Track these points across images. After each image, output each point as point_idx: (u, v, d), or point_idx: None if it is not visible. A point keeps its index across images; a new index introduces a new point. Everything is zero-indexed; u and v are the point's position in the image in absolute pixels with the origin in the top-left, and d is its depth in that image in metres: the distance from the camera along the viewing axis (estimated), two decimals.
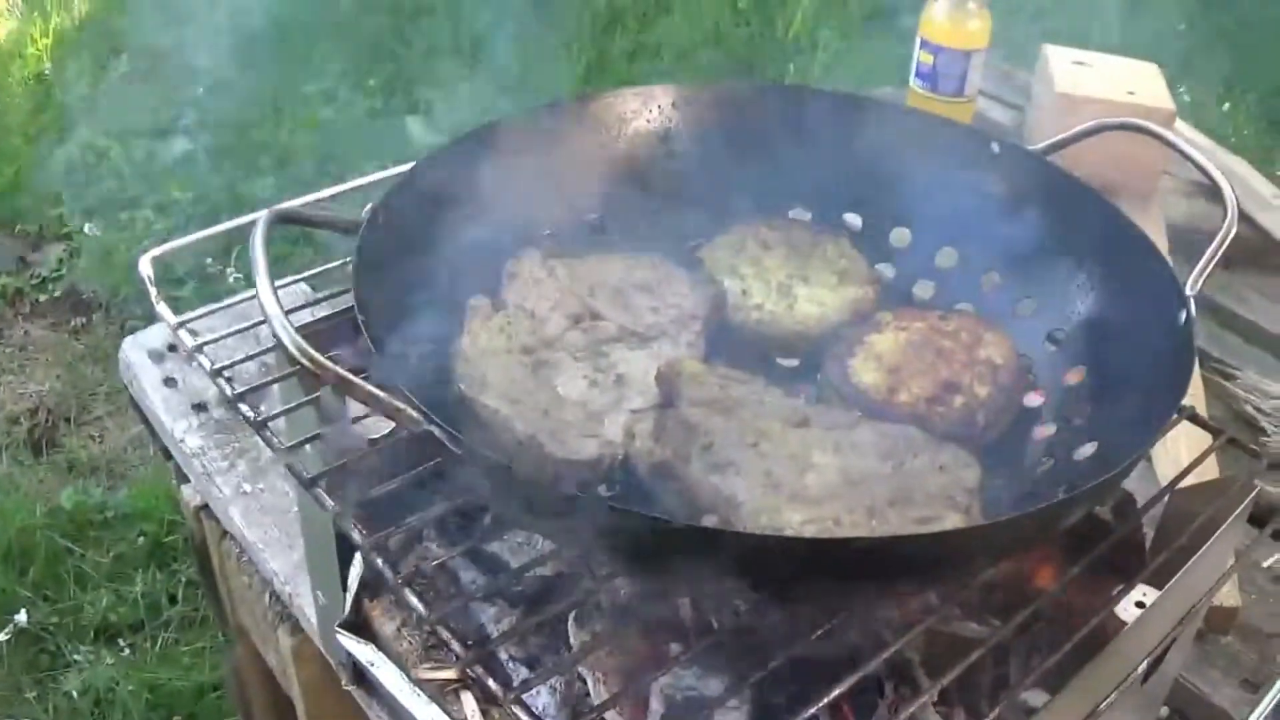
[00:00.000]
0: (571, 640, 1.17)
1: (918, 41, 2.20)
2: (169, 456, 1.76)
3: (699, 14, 3.70)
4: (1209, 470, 1.48)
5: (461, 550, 1.24)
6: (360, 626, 1.32)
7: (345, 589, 1.34)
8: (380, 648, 1.29)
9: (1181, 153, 1.25)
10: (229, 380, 1.26)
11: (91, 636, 2.56)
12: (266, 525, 1.55)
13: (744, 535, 0.95)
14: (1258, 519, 1.21)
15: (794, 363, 1.35)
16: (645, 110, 1.43)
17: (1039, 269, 1.30)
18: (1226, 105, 3.63)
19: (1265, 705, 1.14)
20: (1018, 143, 1.36)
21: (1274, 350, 1.98)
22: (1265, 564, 1.53)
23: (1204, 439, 1.27)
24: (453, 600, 1.23)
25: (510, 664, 1.20)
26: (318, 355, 0.95)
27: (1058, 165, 1.32)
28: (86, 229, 3.55)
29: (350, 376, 0.95)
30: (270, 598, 1.59)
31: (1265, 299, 2.10)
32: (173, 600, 2.62)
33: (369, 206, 1.18)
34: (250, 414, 1.22)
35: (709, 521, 1.00)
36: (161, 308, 1.30)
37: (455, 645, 1.00)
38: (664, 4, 3.85)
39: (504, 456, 0.93)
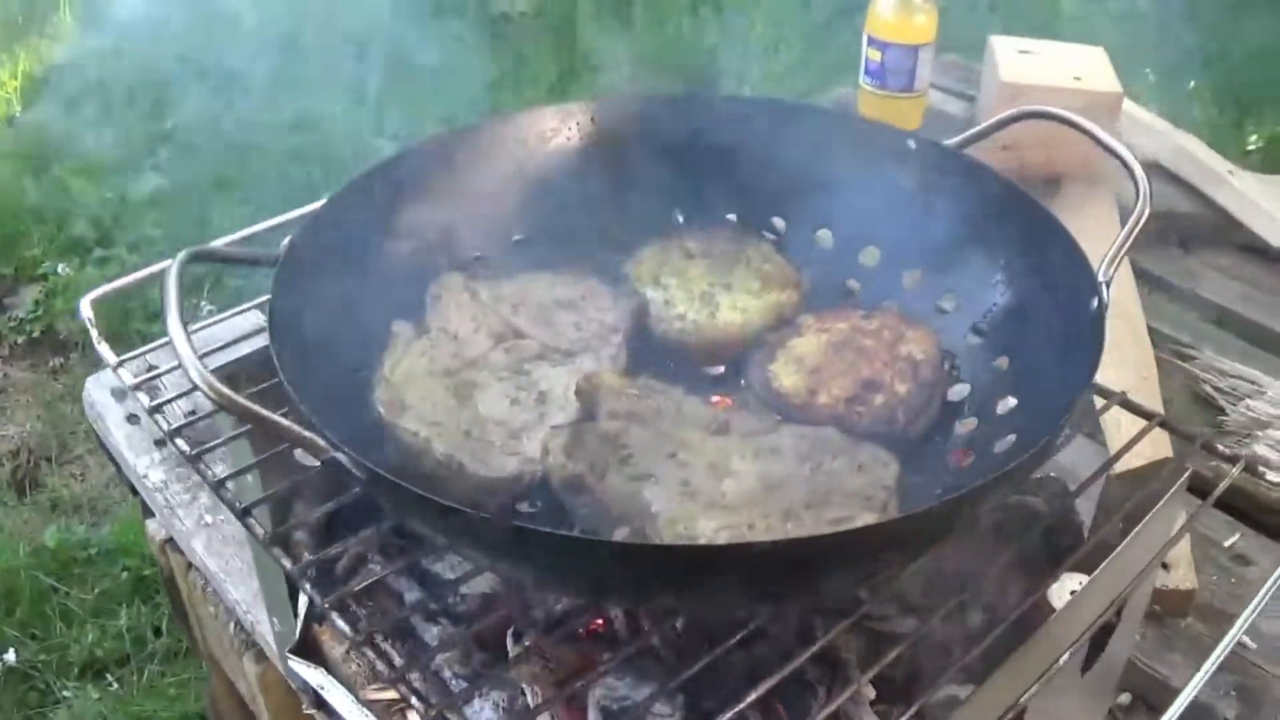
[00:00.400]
0: (510, 653, 1.17)
1: (865, 39, 2.21)
2: (135, 492, 1.77)
3: (660, 23, 3.71)
4: (1163, 454, 1.48)
5: (397, 569, 1.26)
6: (311, 651, 1.33)
7: (296, 615, 1.35)
8: (330, 671, 1.31)
9: (1092, 136, 1.25)
10: (155, 411, 1.29)
11: (79, 672, 2.56)
12: (228, 555, 1.57)
13: (627, 546, 0.96)
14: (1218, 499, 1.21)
15: (719, 370, 1.36)
16: (564, 128, 1.43)
17: (959, 263, 1.31)
18: (1192, 83, 3.63)
19: (1207, 668, 1.13)
20: (934, 139, 1.35)
21: (1233, 328, 1.99)
22: (1226, 543, 1.53)
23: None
24: (385, 619, 1.24)
25: (454, 681, 1.21)
26: (225, 390, 0.96)
27: (972, 158, 1.33)
28: (60, 269, 3.55)
29: (254, 409, 0.96)
30: (235, 626, 1.61)
31: (1223, 276, 2.10)
32: (157, 633, 2.63)
33: (287, 240, 1.19)
34: (187, 448, 1.23)
35: (619, 534, 1.00)
36: (103, 348, 1.32)
37: (380, 666, 1.01)
38: (624, 16, 3.87)
39: (413, 480, 0.93)
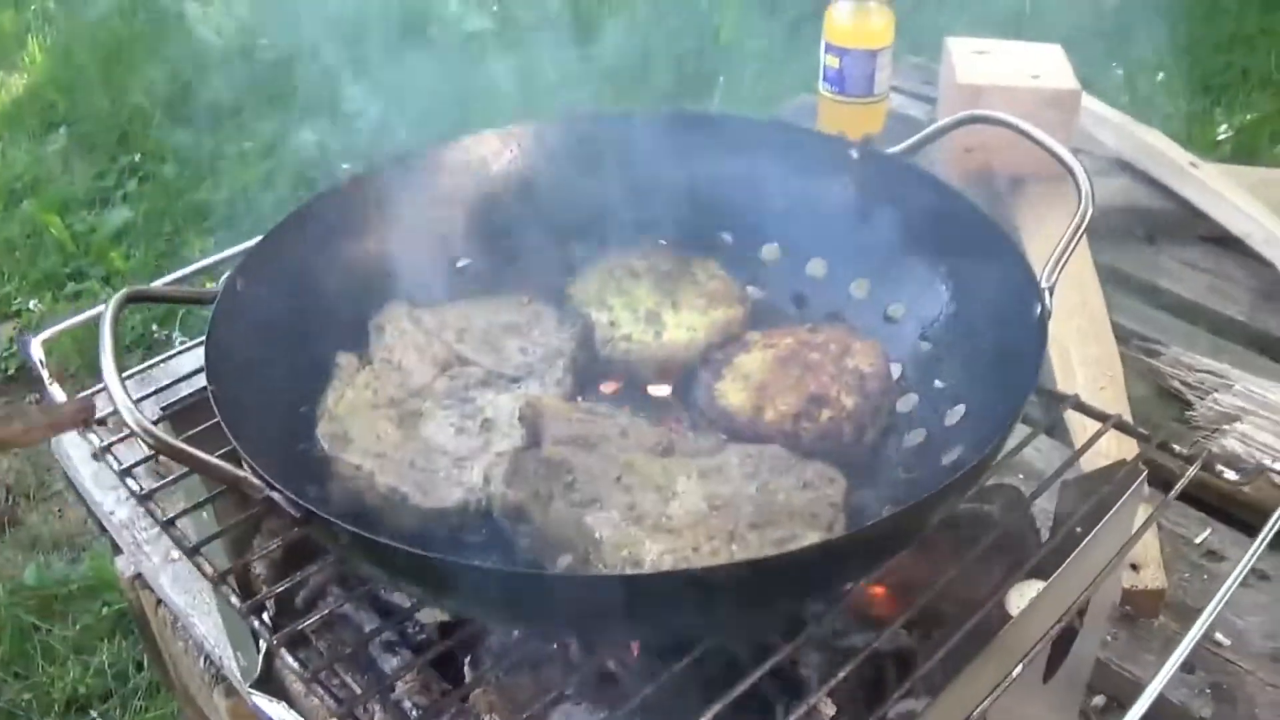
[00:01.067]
0: (466, 681, 1.16)
1: (822, 46, 2.19)
2: (104, 529, 1.76)
3: (628, 35, 3.71)
4: (1129, 453, 1.47)
5: (356, 598, 1.25)
6: (274, 685, 1.32)
7: (257, 649, 1.35)
8: (292, 704, 1.30)
9: (1031, 138, 1.24)
10: (106, 451, 1.27)
11: (62, 709, 2.55)
12: (195, 591, 1.57)
13: (554, 578, 0.96)
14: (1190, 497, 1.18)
15: (666, 391, 1.34)
16: (506, 150, 1.43)
17: (905, 271, 1.30)
18: (1160, 75, 3.63)
19: (1173, 661, 1.12)
20: (883, 146, 1.35)
21: (1200, 322, 1.98)
22: (1197, 540, 1.52)
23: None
24: (344, 650, 1.24)
25: (414, 711, 1.20)
26: (158, 433, 0.97)
27: (915, 165, 1.32)
28: (32, 305, 3.53)
29: (188, 451, 0.96)
30: (205, 661, 1.60)
31: (1189, 269, 2.09)
32: (139, 667, 2.61)
33: (225, 276, 1.18)
34: (137, 488, 1.22)
35: (562, 562, 0.99)
36: (54, 389, 1.31)
37: (329, 701, 1.00)
38: (593, 28, 3.86)
39: (352, 516, 0.92)
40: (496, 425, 1.19)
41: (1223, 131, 3.71)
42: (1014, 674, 0.96)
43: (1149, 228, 2.18)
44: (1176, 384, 1.79)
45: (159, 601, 1.67)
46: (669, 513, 1.04)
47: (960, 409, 1.19)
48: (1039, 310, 1.10)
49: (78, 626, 2.71)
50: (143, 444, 0.98)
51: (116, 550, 1.76)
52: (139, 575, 1.70)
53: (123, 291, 1.12)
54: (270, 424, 1.11)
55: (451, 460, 1.14)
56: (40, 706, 2.56)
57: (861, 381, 1.22)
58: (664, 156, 1.40)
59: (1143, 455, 1.19)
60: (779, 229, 1.41)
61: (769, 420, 1.20)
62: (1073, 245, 1.16)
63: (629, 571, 0.96)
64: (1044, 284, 1.12)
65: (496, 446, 1.15)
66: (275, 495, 0.95)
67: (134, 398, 0.98)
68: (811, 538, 0.98)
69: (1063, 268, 1.14)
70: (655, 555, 0.98)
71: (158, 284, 1.34)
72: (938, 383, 1.25)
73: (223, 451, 1.02)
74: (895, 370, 1.29)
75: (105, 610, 2.74)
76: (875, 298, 1.34)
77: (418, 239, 1.36)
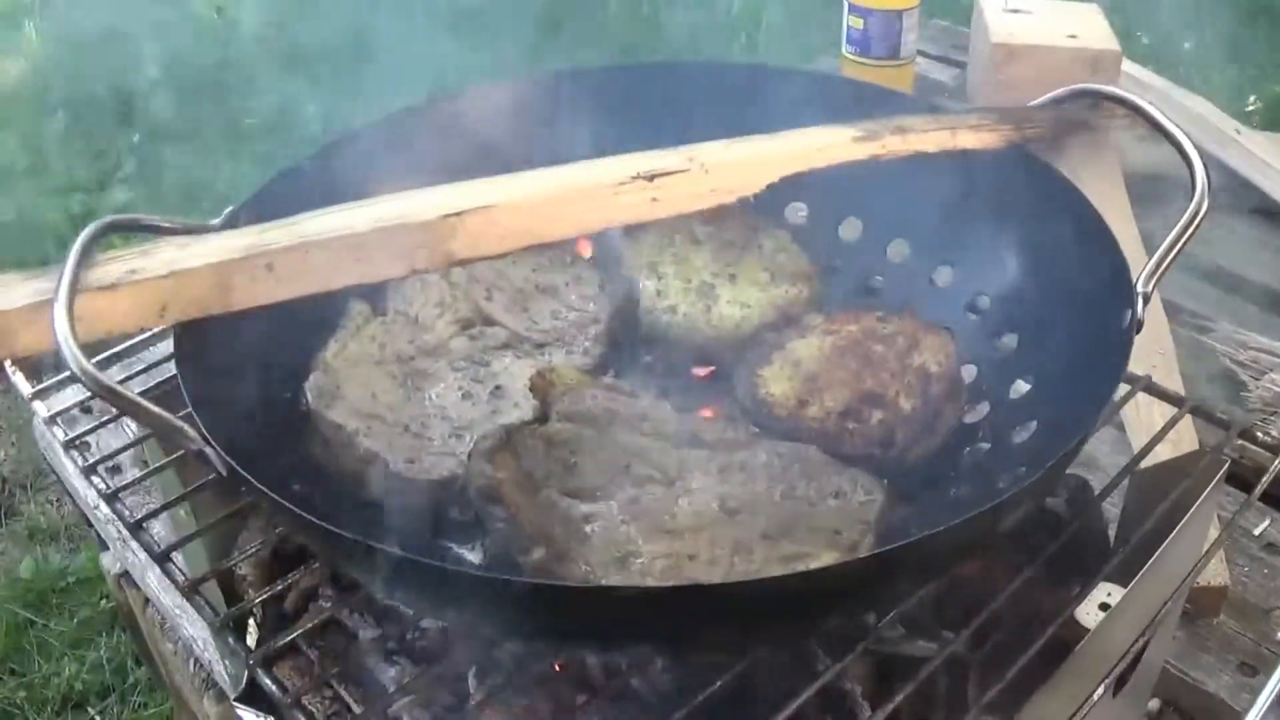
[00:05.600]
0: (472, 697, 1.05)
1: (845, 6, 2.09)
2: (90, 523, 1.68)
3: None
4: (1188, 441, 1.36)
5: (351, 603, 1.14)
6: (259, 698, 1.23)
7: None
8: (280, 718, 1.20)
9: (1154, 123, 1.11)
10: (73, 444, 1.24)
11: (59, 706, 2.49)
12: None
13: (513, 583, 0.83)
14: (1243, 481, 1.08)
15: (706, 372, 1.22)
16: (545, 98, 1.32)
17: (996, 262, 1.17)
18: (1188, 44, 3.53)
19: (1268, 694, 1.01)
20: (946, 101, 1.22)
21: (1251, 297, 1.89)
22: (1256, 531, 1.42)
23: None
24: (338, 660, 1.14)
25: None
26: (93, 370, 0.88)
27: (1028, 150, 1.19)
28: None
29: (118, 389, 0.88)
30: (194, 664, 1.51)
31: (1238, 241, 1.99)
32: (139, 662, 2.55)
33: (228, 210, 1.08)
34: (104, 486, 1.17)
35: (536, 555, 0.87)
36: (17, 379, 1.27)
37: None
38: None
39: (308, 484, 0.82)
40: (508, 394, 1.09)
41: (1251, 102, 3.60)
42: (1095, 697, 0.84)
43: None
44: (1229, 363, 1.70)
45: (147, 600, 1.59)
46: (674, 512, 0.93)
47: (1032, 424, 1.06)
48: (1129, 318, 0.97)
49: (75, 621, 2.65)
50: (83, 386, 0.89)
51: (103, 545, 1.68)
52: (125, 573, 1.62)
53: (106, 218, 1.03)
54: (249, 378, 1.02)
55: (451, 428, 1.04)
56: (35, 704, 2.49)
57: (925, 383, 1.10)
58: (697, 109, 1.27)
59: (1224, 444, 1.07)
60: (862, 203, 1.28)
61: (811, 417, 1.08)
62: (1179, 247, 1.02)
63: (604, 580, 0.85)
64: (1140, 289, 0.99)
65: (503, 417, 1.05)
66: (209, 451, 0.86)
67: (123, 376, 0.90)
68: (826, 558, 0.87)
69: (1161, 275, 1.00)
70: (647, 559, 0.87)
71: None
72: (1013, 394, 1.13)
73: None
74: (968, 374, 1.17)
75: (104, 603, 2.68)
76: (960, 288, 1.22)
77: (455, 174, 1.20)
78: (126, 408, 0.89)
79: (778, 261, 1.27)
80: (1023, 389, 1.12)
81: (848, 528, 0.92)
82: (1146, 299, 0.99)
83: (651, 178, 0.96)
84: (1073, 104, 1.24)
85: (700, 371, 1.23)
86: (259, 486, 0.84)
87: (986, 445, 1.10)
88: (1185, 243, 1.04)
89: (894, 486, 1.00)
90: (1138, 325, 0.97)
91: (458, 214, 0.92)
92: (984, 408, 1.14)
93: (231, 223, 1.09)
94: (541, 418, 1.02)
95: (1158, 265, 1.01)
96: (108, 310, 0.93)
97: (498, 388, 1.10)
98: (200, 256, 0.96)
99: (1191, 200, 1.05)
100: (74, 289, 0.93)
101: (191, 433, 0.88)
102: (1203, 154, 2.03)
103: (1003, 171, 1.19)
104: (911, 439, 1.06)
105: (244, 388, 1.02)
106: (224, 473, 0.87)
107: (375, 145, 1.25)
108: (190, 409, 0.90)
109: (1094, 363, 0.99)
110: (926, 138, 1.11)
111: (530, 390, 1.05)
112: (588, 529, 0.89)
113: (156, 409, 0.89)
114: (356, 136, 1.25)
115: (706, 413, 1.13)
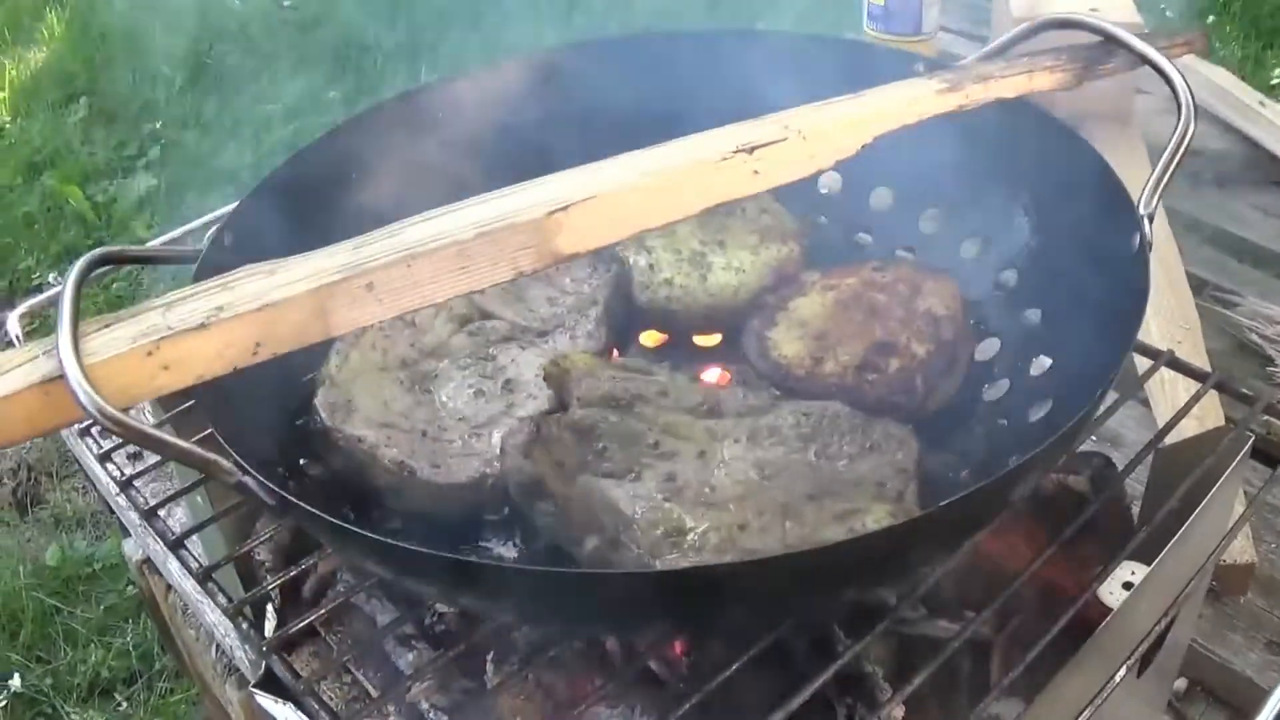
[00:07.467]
0: (489, 681, 1.05)
1: None
2: (112, 510, 1.68)
3: None
4: (1213, 417, 1.34)
5: (368, 586, 1.13)
6: (277, 684, 1.22)
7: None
8: (299, 705, 1.19)
9: (1119, 41, 1.09)
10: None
11: (85, 693, 2.49)
12: None
13: (565, 575, 0.82)
14: (1269, 456, 1.06)
15: (713, 341, 1.22)
16: (530, 80, 1.29)
17: (981, 201, 1.16)
18: (1211, 18, 3.49)
19: None
20: (945, 61, 1.19)
21: (1277, 271, 1.86)
22: None
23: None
24: (356, 645, 1.13)
25: (432, 713, 1.09)
26: (119, 415, 0.79)
27: None
28: (53, 279, 3.46)
29: (150, 432, 0.81)
30: (216, 650, 1.51)
31: (1263, 215, 1.97)
32: (164, 648, 2.55)
33: (211, 231, 1.06)
34: (118, 474, 1.16)
35: (590, 544, 0.86)
36: None
37: (324, 715, 0.89)
38: None
39: (346, 502, 0.81)
40: (520, 386, 1.07)
41: (1276, 76, 3.56)
42: (1118, 678, 0.83)
43: (1217, 171, 2.06)
44: (1255, 338, 1.68)
45: (169, 587, 1.59)
46: (713, 483, 0.91)
47: (1045, 360, 1.05)
48: (1138, 241, 0.96)
49: (101, 608, 2.65)
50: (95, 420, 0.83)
51: (125, 533, 1.67)
52: (148, 559, 1.62)
53: (93, 252, 0.97)
54: (264, 398, 1.00)
55: (469, 428, 1.03)
56: (62, 691, 2.49)
57: (935, 326, 1.09)
58: (709, 73, 1.26)
59: (1250, 419, 1.05)
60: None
61: (829, 373, 1.07)
62: (1173, 166, 1.00)
63: (662, 562, 0.83)
64: (1143, 210, 0.98)
65: (520, 410, 1.04)
66: (249, 481, 0.82)
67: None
68: (878, 511, 0.85)
69: (1163, 192, 0.99)
70: (698, 534, 0.85)
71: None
72: (1020, 327, 1.12)
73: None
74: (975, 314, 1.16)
75: (130, 589, 2.68)
76: (948, 232, 1.21)
77: (431, 178, 1.20)
78: (165, 451, 0.84)
79: (763, 223, 1.27)
80: (1032, 323, 1.12)
81: (890, 478, 0.91)
82: (1151, 219, 0.99)
83: (752, 150, 0.92)
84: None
85: (706, 342, 1.23)
86: (313, 511, 0.81)
87: (1005, 382, 1.10)
88: (1177, 162, 1.03)
89: (922, 432, 0.99)
90: (1148, 245, 0.97)
91: (564, 208, 0.87)
92: (994, 344, 1.15)
93: (217, 242, 1.06)
94: (561, 406, 1.01)
95: (1155, 187, 1.01)
96: (197, 352, 0.82)
97: (508, 381, 1.09)
98: (292, 284, 0.86)
99: (1179, 119, 1.04)
100: (75, 329, 0.83)
101: (230, 466, 0.84)
102: (1227, 126, 2.04)
103: (982, 110, 1.17)
104: (932, 383, 1.06)
105: (262, 412, 1.01)
106: (270, 501, 0.84)
107: (384, 127, 1.25)
108: (222, 441, 0.87)
109: (1110, 285, 0.99)
110: (1005, 83, 1.08)
111: (545, 380, 1.04)
112: (629, 512, 0.88)
113: (191, 447, 0.84)
114: (359, 120, 1.25)
115: (724, 380, 1.12)
